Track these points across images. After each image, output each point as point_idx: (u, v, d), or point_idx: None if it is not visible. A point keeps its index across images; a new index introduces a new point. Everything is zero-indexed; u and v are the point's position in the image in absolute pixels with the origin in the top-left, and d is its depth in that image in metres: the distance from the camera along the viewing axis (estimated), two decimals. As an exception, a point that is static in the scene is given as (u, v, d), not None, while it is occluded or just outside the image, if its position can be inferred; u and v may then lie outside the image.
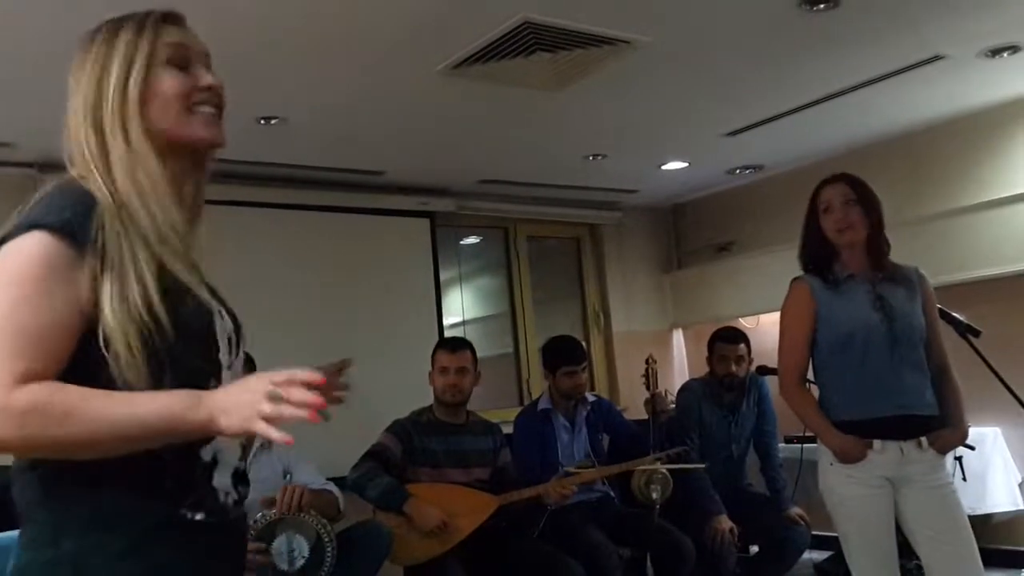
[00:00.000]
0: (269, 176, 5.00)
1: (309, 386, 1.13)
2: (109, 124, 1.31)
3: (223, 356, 1.32)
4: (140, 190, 1.28)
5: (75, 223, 1.21)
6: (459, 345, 4.05)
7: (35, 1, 2.87)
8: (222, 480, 1.31)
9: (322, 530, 3.28)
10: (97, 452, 1.16)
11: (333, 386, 1.38)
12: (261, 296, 4.72)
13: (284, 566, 3.20)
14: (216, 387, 1.27)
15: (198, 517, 1.26)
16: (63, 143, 1.35)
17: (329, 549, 3.26)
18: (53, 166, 4.87)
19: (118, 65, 1.33)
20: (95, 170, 1.29)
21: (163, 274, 1.24)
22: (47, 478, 1.21)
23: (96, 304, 1.19)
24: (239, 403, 1.14)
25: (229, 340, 1.35)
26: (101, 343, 1.18)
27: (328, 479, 3.73)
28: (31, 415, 1.12)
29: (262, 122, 4.13)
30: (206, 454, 1.29)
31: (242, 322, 1.42)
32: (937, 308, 2.95)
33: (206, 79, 1.39)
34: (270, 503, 3.30)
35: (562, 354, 4.44)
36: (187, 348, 1.25)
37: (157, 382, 1.20)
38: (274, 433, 1.12)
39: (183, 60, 1.38)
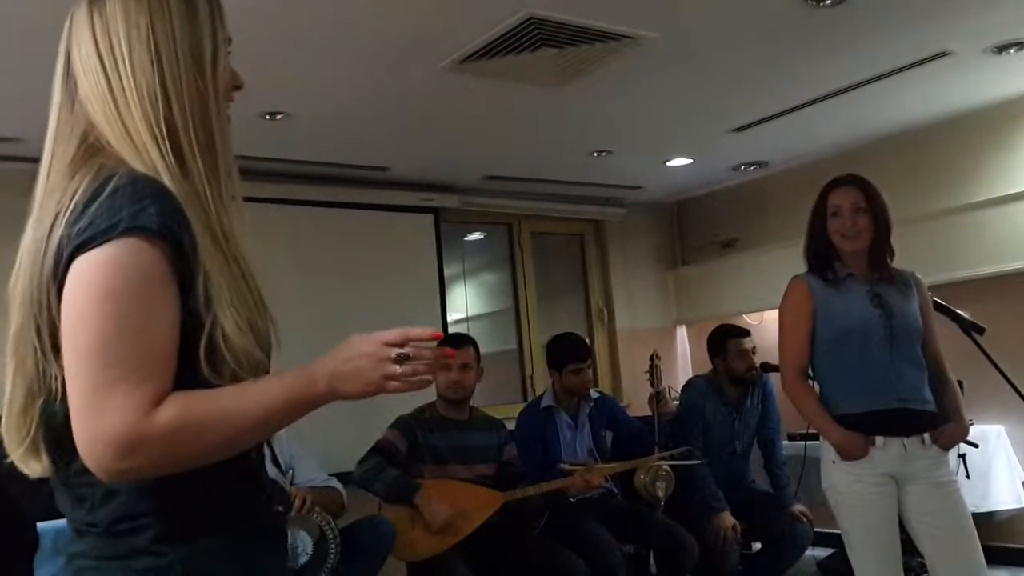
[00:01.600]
0: (273, 172, 5.01)
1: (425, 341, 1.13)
2: (215, 104, 1.21)
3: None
4: (219, 188, 1.20)
5: (171, 226, 1.09)
6: (462, 341, 4.05)
7: (40, -4, 2.88)
8: (270, 472, 1.32)
9: (326, 526, 3.29)
10: (233, 452, 1.13)
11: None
12: (264, 292, 4.73)
13: (288, 562, 3.21)
14: None
15: (279, 508, 1.27)
16: (65, 113, 1.20)
17: (332, 546, 3.27)
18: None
19: (210, 36, 1.21)
20: (188, 157, 1.17)
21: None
22: (151, 486, 1.12)
23: (194, 316, 1.11)
24: (359, 368, 1.12)
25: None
26: (204, 360, 1.11)
27: (331, 475, 3.74)
28: (175, 437, 1.05)
29: (267, 118, 4.13)
30: (256, 453, 1.27)
31: None
32: (935, 304, 2.97)
33: (241, 78, 1.29)
34: None
35: (568, 352, 4.42)
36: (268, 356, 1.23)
37: None
38: (414, 387, 1.13)
39: (227, 51, 1.28)
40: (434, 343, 1.15)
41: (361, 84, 3.89)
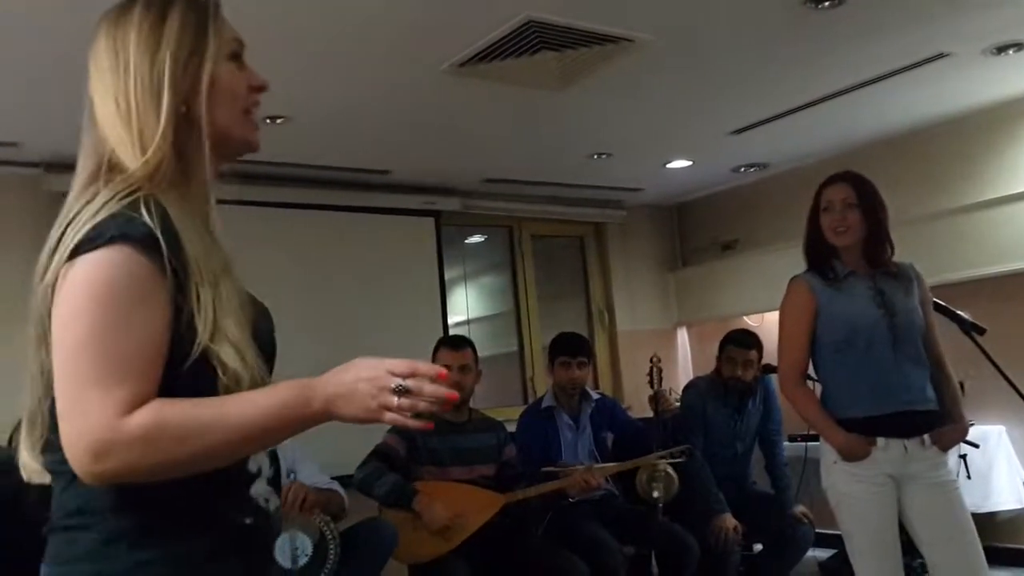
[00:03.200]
0: (274, 175, 5.01)
1: (432, 379, 1.11)
2: (191, 114, 1.21)
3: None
4: (207, 190, 1.23)
5: (159, 236, 1.12)
6: (461, 343, 4.06)
7: (41, 1, 2.88)
8: (259, 488, 1.27)
9: (325, 528, 3.29)
10: (217, 463, 1.12)
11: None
12: (265, 295, 4.72)
13: (287, 564, 3.21)
14: None
15: (247, 521, 1.22)
16: (89, 131, 1.23)
17: (332, 547, 3.27)
18: (59, 165, 4.90)
19: (189, 46, 1.22)
20: (164, 173, 1.19)
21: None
22: (120, 488, 1.13)
23: (186, 323, 1.12)
24: (359, 392, 1.10)
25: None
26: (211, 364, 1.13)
27: (332, 478, 3.74)
28: (151, 441, 1.06)
29: (267, 121, 4.13)
30: (252, 466, 1.26)
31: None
32: (935, 305, 2.97)
33: (258, 78, 1.31)
34: None
35: (559, 345, 4.50)
36: (265, 365, 1.21)
37: None
38: (410, 422, 1.10)
39: (240, 54, 1.30)
40: (439, 382, 1.12)
41: (362, 88, 3.90)
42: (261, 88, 1.32)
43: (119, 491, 1.12)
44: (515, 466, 4.05)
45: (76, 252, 1.10)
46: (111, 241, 1.10)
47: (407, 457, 3.81)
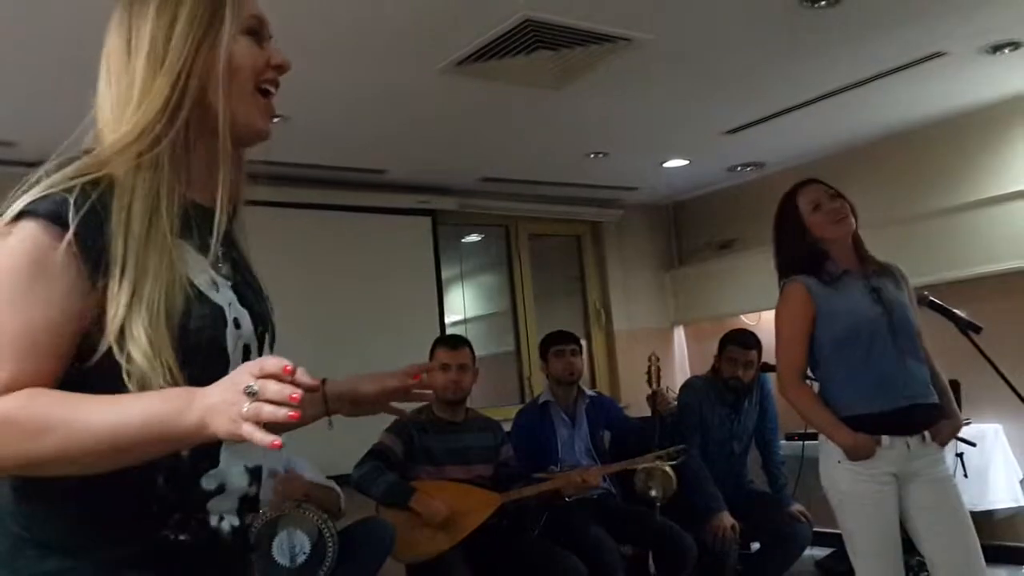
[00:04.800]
0: (270, 175, 4.96)
1: (281, 378, 0.96)
2: (204, 97, 1.15)
3: (231, 371, 1.12)
4: (192, 174, 1.16)
5: (70, 211, 1.05)
6: (458, 342, 4.06)
7: (37, 2, 2.88)
8: (220, 505, 1.17)
9: (323, 526, 3.29)
10: (80, 468, 1.02)
11: (412, 386, 1.34)
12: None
13: (285, 562, 3.21)
14: None
15: (181, 538, 1.12)
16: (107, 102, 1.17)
17: (330, 545, 3.27)
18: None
19: (204, 21, 1.16)
20: (144, 138, 1.12)
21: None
22: (19, 488, 1.08)
23: (101, 312, 1.05)
24: (224, 402, 0.96)
25: (247, 349, 1.21)
26: (120, 357, 1.04)
27: (328, 478, 3.74)
28: (5, 428, 0.98)
29: (264, 120, 4.13)
30: (209, 483, 1.15)
31: (273, 326, 1.30)
32: (931, 304, 2.98)
33: (279, 56, 1.24)
34: (272, 475, 3.29)
35: (551, 337, 4.56)
36: (196, 367, 1.09)
37: None
38: (260, 436, 0.93)
39: (260, 32, 1.23)
40: (285, 379, 0.96)
41: (358, 87, 3.90)
42: (280, 67, 1.25)
43: (22, 493, 1.07)
44: (512, 466, 4.05)
45: None
46: (20, 216, 1.05)
47: (404, 457, 3.82)
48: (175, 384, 1.04)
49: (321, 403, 1.34)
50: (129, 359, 1.04)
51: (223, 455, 1.17)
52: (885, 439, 2.68)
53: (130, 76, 1.15)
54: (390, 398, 1.43)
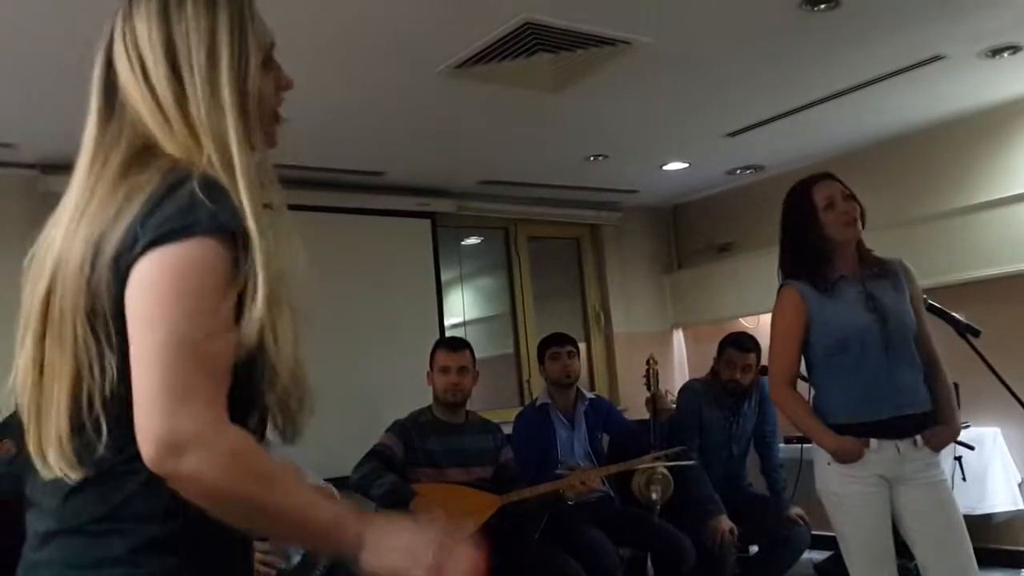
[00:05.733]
0: (270, 176, 5.00)
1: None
2: (236, 122, 1.16)
3: None
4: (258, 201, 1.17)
5: (239, 234, 1.08)
6: (459, 344, 4.06)
7: (36, 4, 2.88)
8: None
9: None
10: (255, 525, 1.11)
11: None
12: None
13: (280, 563, 3.20)
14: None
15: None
16: (106, 119, 1.17)
17: (326, 546, 3.26)
18: (55, 167, 4.88)
19: (237, 51, 1.18)
20: (231, 171, 1.14)
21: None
22: (156, 498, 1.10)
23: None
24: (393, 550, 1.09)
25: None
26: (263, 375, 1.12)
27: (328, 479, 3.73)
28: (239, 461, 1.04)
29: (263, 122, 4.13)
30: None
31: None
32: (930, 307, 2.96)
33: (286, 78, 1.27)
34: None
35: (547, 340, 4.57)
36: None
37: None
38: None
39: (270, 56, 1.25)
40: None
41: (357, 89, 3.90)
42: (287, 87, 1.28)
43: (155, 500, 1.09)
44: (512, 469, 4.05)
45: (163, 240, 1.05)
46: (203, 232, 1.05)
47: (404, 458, 3.82)
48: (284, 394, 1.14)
49: None
50: (272, 371, 1.12)
51: None
52: (873, 442, 2.68)
53: (208, 86, 1.15)
54: None
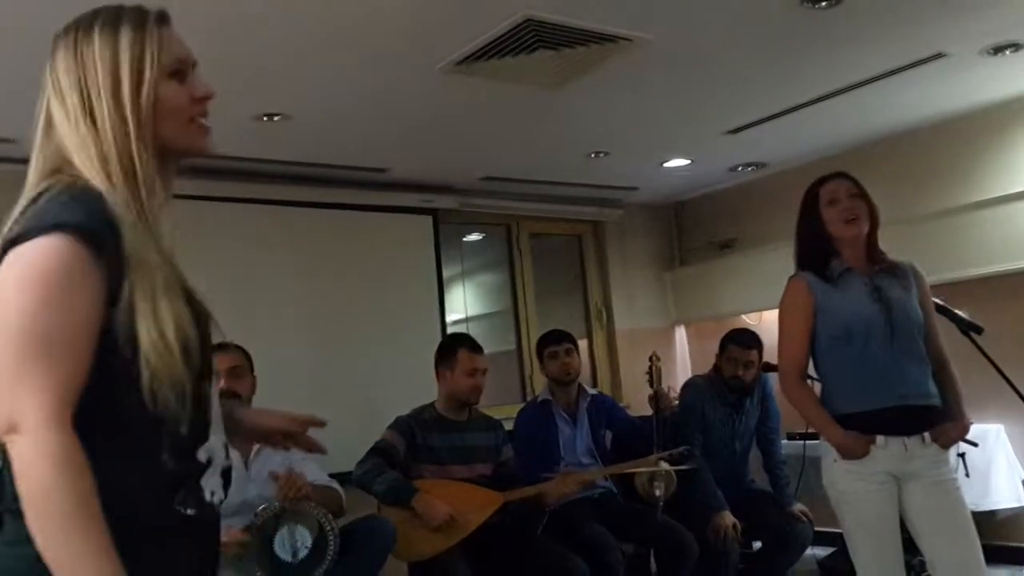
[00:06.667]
0: (271, 173, 5.01)
1: None
2: (135, 132, 1.29)
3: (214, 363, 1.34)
4: (156, 204, 1.29)
5: (99, 231, 1.19)
6: (479, 346, 4.05)
7: (36, 2, 2.88)
8: (210, 480, 1.31)
9: (324, 521, 3.28)
10: (43, 542, 1.12)
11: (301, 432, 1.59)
12: (263, 293, 4.73)
13: (287, 557, 3.21)
14: (210, 390, 1.31)
15: (190, 512, 1.26)
16: (45, 140, 1.33)
17: (331, 540, 3.26)
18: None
19: (131, 68, 1.30)
20: (115, 179, 1.26)
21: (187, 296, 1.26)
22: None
23: (117, 327, 1.18)
24: None
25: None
26: (142, 370, 1.18)
27: (331, 475, 3.74)
28: (61, 466, 1.11)
29: (264, 119, 4.13)
30: (202, 455, 1.30)
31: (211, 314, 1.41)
32: (935, 303, 2.96)
33: (204, 89, 1.39)
34: (276, 477, 3.29)
35: (544, 339, 4.56)
36: (197, 370, 1.26)
37: (179, 404, 1.22)
38: None
39: (183, 70, 1.37)
40: None
41: (359, 86, 3.90)
42: (206, 98, 1.38)
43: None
44: (511, 467, 4.05)
45: (17, 240, 1.18)
46: (49, 230, 1.17)
47: (407, 455, 3.82)
48: (183, 395, 1.21)
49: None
50: (149, 368, 1.18)
51: (212, 430, 1.32)
52: (880, 439, 2.68)
53: (112, 100, 1.29)
54: (282, 436, 1.67)
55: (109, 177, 1.25)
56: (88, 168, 1.26)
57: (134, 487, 1.21)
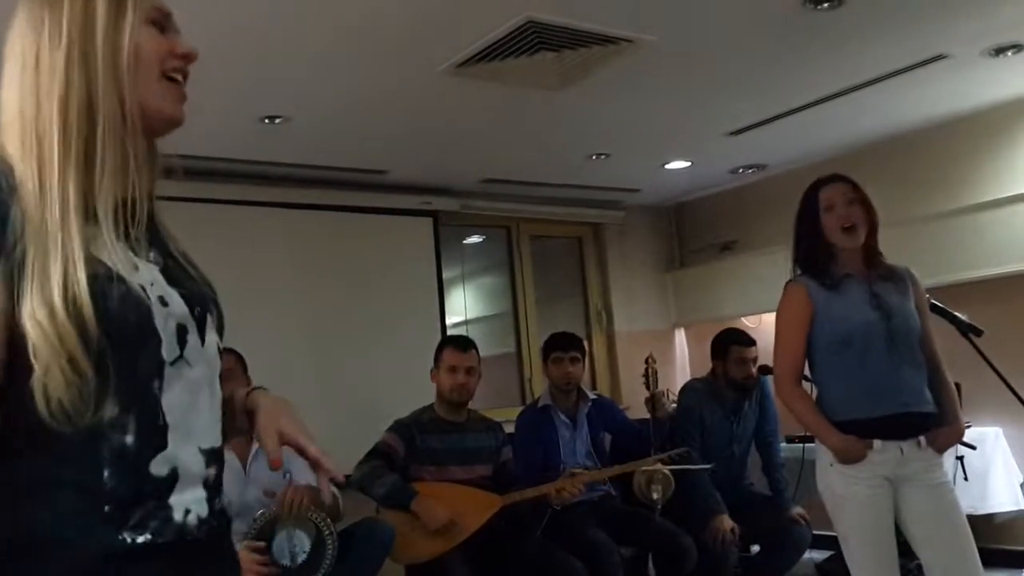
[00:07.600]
0: (272, 175, 5.01)
1: None
2: (102, 85, 1.13)
3: (165, 350, 1.12)
4: (107, 165, 1.12)
5: None
6: (467, 344, 4.05)
7: None
8: (183, 496, 1.11)
9: (323, 525, 3.28)
10: None
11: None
12: (264, 295, 4.73)
13: (285, 562, 3.20)
14: (159, 388, 1.10)
15: (140, 540, 1.06)
16: None
17: (330, 544, 3.26)
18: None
19: (106, 11, 1.15)
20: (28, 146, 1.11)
21: (90, 260, 1.07)
22: None
23: (15, 306, 1.03)
24: None
25: (182, 329, 1.15)
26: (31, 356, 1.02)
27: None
28: None
29: (266, 121, 4.13)
30: (159, 468, 1.09)
31: (218, 308, 1.26)
32: (933, 307, 2.96)
33: (184, 46, 1.22)
34: (272, 495, 3.30)
35: (552, 342, 4.53)
36: (125, 348, 1.07)
37: (100, 397, 1.05)
38: None
39: (162, 21, 1.22)
40: None
41: (360, 88, 3.90)
42: (186, 56, 1.22)
43: None
44: (510, 469, 4.05)
45: None
46: None
47: (406, 457, 3.81)
48: (77, 368, 1.03)
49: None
50: (33, 340, 1.02)
51: (171, 436, 1.11)
52: (876, 443, 2.68)
53: (52, 68, 1.13)
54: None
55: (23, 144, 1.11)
56: (13, 139, 1.13)
57: (64, 514, 1.04)
